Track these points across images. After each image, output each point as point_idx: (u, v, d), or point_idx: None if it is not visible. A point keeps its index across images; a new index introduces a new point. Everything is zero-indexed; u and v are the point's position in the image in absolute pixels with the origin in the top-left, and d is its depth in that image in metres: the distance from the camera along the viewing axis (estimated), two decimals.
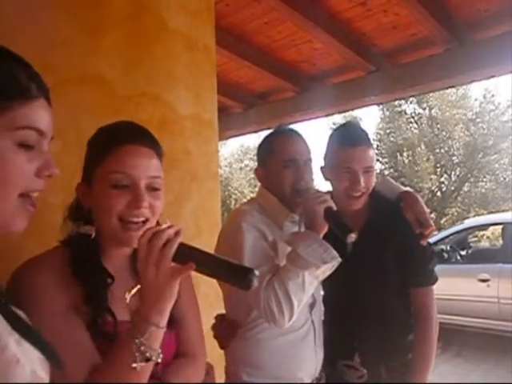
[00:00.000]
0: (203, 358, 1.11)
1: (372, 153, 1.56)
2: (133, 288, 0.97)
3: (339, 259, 1.30)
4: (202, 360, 1.11)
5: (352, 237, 1.34)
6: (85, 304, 0.88)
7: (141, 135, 0.99)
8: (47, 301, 0.87)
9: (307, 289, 1.32)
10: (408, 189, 1.75)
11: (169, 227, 0.80)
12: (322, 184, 1.82)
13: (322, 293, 1.68)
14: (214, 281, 1.11)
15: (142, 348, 0.79)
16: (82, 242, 0.95)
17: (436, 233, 6.12)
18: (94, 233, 0.96)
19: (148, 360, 0.80)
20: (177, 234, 0.80)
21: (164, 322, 0.82)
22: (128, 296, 0.97)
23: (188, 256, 0.79)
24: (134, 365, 0.79)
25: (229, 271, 0.79)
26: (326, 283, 1.66)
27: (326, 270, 1.31)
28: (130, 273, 1.01)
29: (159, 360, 0.82)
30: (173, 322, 1.00)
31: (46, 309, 0.86)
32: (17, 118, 0.66)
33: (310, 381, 1.49)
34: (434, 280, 1.61)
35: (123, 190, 0.92)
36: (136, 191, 0.92)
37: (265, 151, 1.57)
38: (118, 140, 0.95)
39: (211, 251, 1.37)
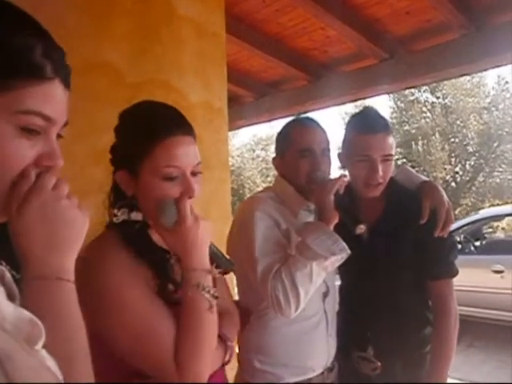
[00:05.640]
0: (237, 313, 1.22)
1: (391, 140, 1.52)
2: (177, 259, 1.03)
3: (348, 251, 1.28)
4: (237, 315, 1.22)
5: (361, 228, 1.33)
6: (154, 278, 0.96)
7: (183, 123, 1.00)
8: (126, 284, 0.91)
9: (315, 280, 1.31)
10: (428, 178, 1.70)
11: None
12: (337, 171, 1.79)
13: (338, 283, 1.66)
14: None
15: (210, 290, 0.90)
16: (133, 226, 1.00)
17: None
18: (141, 218, 1.01)
19: (217, 297, 0.91)
20: None
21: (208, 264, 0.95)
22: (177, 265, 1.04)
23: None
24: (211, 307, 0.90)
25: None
26: (343, 272, 1.64)
27: (335, 261, 1.30)
28: None
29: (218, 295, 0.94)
30: None
31: (129, 291, 0.91)
32: (20, 100, 0.55)
33: (321, 370, 1.49)
34: (455, 272, 1.54)
35: (174, 181, 0.95)
36: (186, 181, 0.96)
37: (282, 140, 1.56)
38: (163, 131, 0.95)
39: (221, 239, 1.39)
